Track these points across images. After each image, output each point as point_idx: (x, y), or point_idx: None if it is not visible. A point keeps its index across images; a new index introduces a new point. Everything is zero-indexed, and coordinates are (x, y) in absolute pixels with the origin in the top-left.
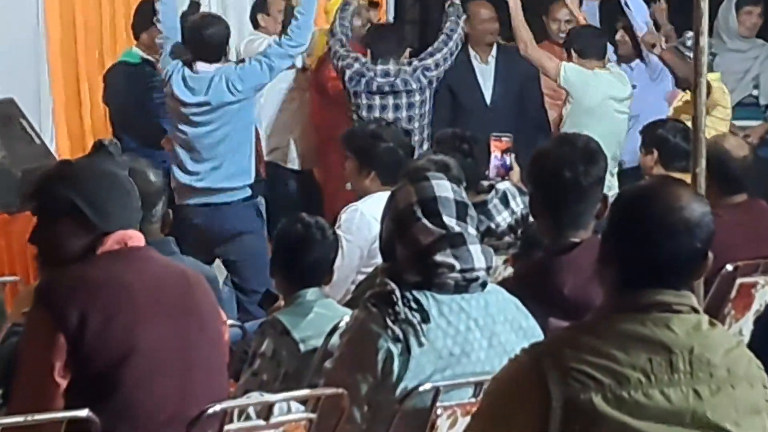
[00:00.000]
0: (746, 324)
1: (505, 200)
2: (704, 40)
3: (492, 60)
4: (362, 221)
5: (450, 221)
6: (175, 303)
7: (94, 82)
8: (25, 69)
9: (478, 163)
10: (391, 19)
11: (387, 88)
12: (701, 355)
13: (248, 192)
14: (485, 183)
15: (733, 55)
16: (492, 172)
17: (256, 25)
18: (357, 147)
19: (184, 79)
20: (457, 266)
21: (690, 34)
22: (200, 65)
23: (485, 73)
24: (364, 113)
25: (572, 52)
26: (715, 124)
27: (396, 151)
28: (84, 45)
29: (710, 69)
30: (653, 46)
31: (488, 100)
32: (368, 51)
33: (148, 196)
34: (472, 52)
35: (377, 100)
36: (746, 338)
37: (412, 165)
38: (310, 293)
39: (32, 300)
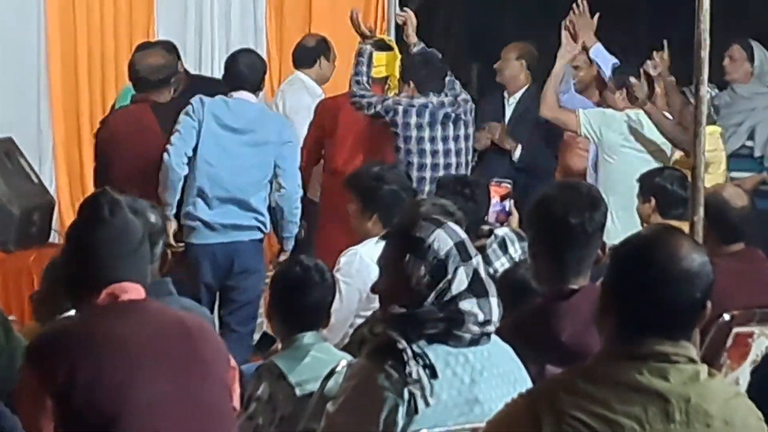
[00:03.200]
0: (743, 374)
1: (503, 246)
2: (704, 89)
3: (514, 100)
4: (362, 264)
5: (478, 262)
6: (174, 353)
7: (95, 121)
8: (25, 107)
9: (479, 208)
10: None
11: (450, 117)
12: (698, 405)
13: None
14: (485, 228)
15: (733, 104)
16: (491, 217)
17: None
18: (360, 189)
19: (225, 103)
20: (481, 317)
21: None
22: (240, 93)
23: (507, 111)
24: (412, 146)
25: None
26: (711, 182)
27: (399, 194)
28: (86, 83)
29: (711, 121)
30: (637, 99)
31: None
32: (411, 85)
33: (150, 237)
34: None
35: (427, 132)
36: (743, 389)
37: (416, 209)
38: (308, 337)
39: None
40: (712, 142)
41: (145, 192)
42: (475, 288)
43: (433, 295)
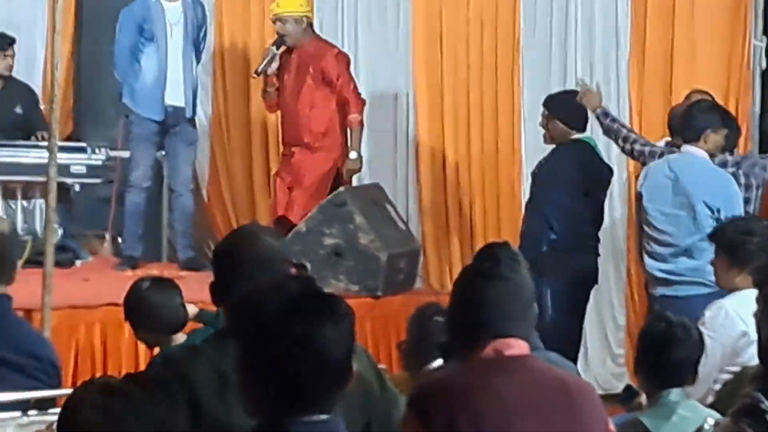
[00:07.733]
0: None
1: None
2: None
3: None
4: (727, 319)
5: None
6: (553, 412)
7: (461, 168)
8: (394, 154)
9: None
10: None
11: None
12: None
13: None
14: None
15: None
16: None
17: None
18: (727, 243)
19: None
20: None
21: None
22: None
23: None
24: None
25: None
26: None
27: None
28: (451, 132)
29: None
30: None
31: None
32: None
33: None
34: None
35: None
36: None
37: None
38: (674, 394)
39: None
40: None
41: None
42: None
43: None
